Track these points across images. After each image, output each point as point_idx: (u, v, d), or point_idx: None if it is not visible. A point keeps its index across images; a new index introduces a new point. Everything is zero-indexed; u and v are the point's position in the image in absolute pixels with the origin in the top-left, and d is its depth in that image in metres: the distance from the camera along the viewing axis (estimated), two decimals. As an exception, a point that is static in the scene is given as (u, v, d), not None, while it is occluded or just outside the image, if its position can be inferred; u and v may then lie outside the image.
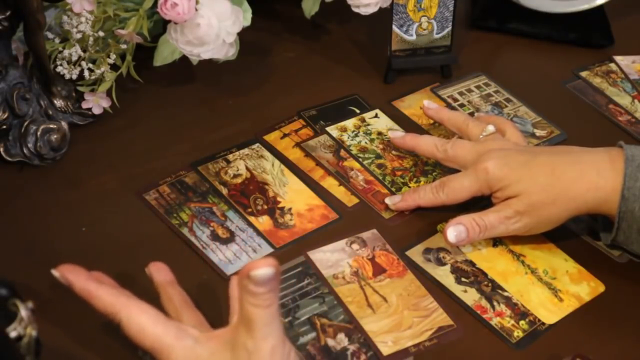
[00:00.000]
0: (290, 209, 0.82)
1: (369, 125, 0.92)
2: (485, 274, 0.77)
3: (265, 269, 0.55)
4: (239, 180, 0.84)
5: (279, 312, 0.59)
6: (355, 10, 0.92)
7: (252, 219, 0.80)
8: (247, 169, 0.85)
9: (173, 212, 0.80)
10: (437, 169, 0.87)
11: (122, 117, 0.89)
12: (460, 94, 0.98)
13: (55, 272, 0.63)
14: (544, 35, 1.09)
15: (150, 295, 0.66)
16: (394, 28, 0.96)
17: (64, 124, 0.84)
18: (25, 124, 0.82)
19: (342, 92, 0.97)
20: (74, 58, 0.84)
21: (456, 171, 0.81)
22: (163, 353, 0.60)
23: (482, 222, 0.76)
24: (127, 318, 0.60)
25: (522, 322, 0.74)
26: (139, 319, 0.60)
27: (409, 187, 0.85)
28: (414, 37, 0.97)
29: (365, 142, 0.90)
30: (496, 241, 0.80)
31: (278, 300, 0.58)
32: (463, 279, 0.77)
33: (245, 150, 0.87)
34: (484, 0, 1.12)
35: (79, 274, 0.63)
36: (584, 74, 1.03)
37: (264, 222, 0.80)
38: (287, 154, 0.88)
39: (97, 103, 0.87)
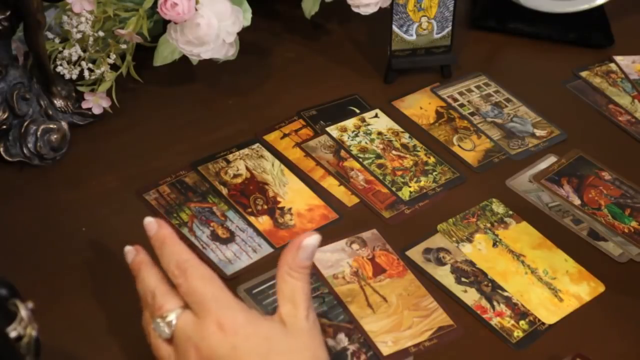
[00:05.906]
0: (290, 209, 0.82)
1: (369, 125, 0.92)
2: (485, 274, 0.77)
3: (315, 237, 0.62)
4: (239, 180, 0.84)
5: None
6: (355, 10, 0.92)
7: (252, 219, 0.80)
8: (247, 169, 0.85)
9: (173, 212, 0.80)
10: (437, 168, 0.87)
11: (122, 117, 0.89)
12: (460, 94, 0.98)
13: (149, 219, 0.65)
14: (544, 35, 1.08)
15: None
16: (394, 28, 0.96)
17: (64, 124, 0.84)
18: (25, 124, 0.82)
19: (342, 92, 0.96)
20: (74, 58, 0.84)
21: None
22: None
23: None
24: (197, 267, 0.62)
25: (522, 322, 0.74)
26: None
27: (409, 187, 0.85)
28: (414, 37, 0.97)
29: (366, 142, 0.90)
30: (496, 241, 0.80)
31: None
32: (463, 279, 0.77)
33: (245, 150, 0.87)
34: (484, 0, 1.12)
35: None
36: (584, 74, 1.03)
37: (264, 222, 0.80)
38: (287, 154, 0.88)
39: (97, 103, 0.87)
